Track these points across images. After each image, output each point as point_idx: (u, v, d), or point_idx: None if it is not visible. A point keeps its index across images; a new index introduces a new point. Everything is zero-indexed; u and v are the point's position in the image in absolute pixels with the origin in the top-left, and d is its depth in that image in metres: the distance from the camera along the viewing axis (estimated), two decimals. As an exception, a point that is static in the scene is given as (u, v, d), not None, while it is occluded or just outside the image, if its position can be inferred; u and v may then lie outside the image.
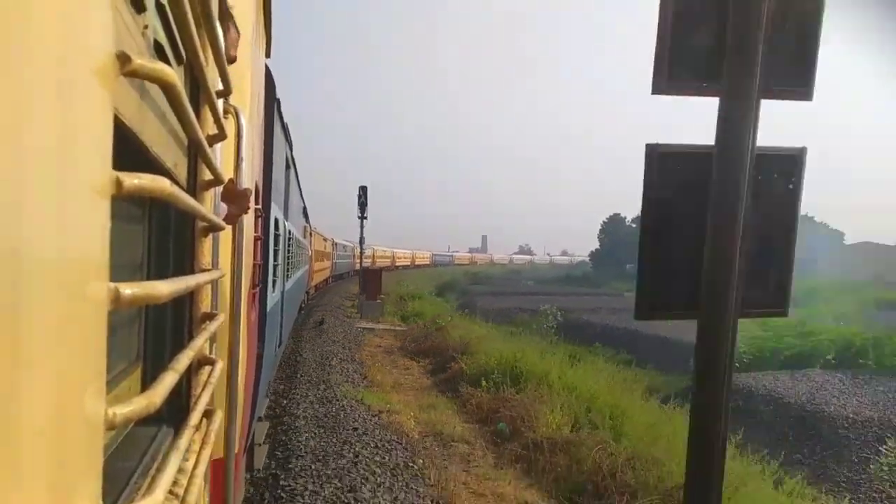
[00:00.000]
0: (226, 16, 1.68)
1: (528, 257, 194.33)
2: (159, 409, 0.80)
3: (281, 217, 6.97)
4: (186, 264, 1.47)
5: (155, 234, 1.47)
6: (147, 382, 1.44)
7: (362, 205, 32.89)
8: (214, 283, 1.69)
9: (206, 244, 1.56)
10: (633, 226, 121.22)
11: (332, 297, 29.69)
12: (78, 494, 0.56)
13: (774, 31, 2.70)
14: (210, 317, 1.54)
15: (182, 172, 1.38)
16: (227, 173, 1.76)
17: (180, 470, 0.98)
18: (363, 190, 32.87)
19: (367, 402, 10.21)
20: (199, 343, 1.24)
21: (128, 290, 0.66)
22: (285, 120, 7.40)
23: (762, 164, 2.77)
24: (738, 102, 2.66)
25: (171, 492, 0.91)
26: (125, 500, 1.02)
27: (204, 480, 1.36)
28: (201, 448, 1.21)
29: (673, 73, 2.74)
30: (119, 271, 0.87)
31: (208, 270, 1.53)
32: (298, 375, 11.90)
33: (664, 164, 2.80)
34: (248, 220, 2.26)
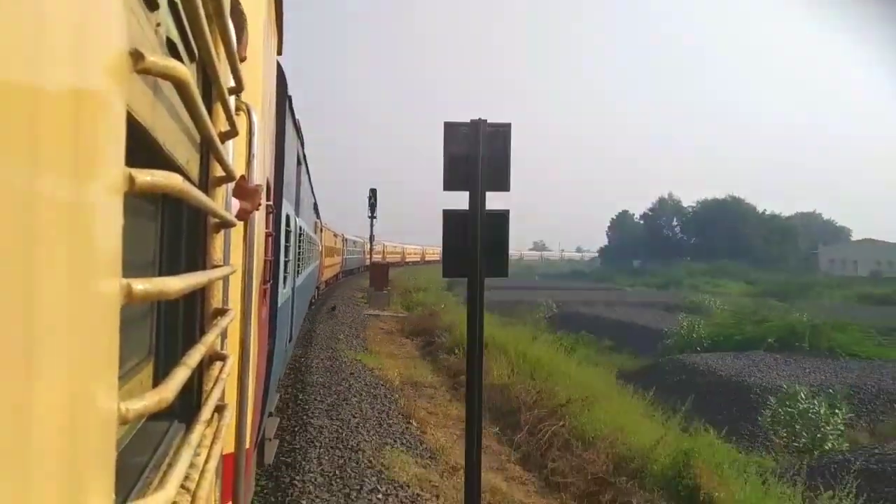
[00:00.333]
0: (238, 14, 1.68)
1: (539, 253, 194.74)
2: (171, 404, 0.80)
3: (292, 213, 6.99)
4: (198, 260, 1.48)
5: (167, 230, 1.48)
6: (159, 378, 1.45)
7: (372, 205, 37.18)
8: (226, 279, 1.70)
9: (218, 240, 1.56)
10: (642, 222, 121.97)
11: (345, 291, 32.04)
12: (91, 488, 0.57)
13: (485, 154, 5.41)
14: (221, 312, 1.54)
15: (194, 169, 1.39)
16: (238, 170, 1.76)
17: (192, 465, 0.99)
18: (373, 192, 36.59)
19: (364, 363, 13.41)
20: (211, 339, 1.25)
21: (140, 285, 0.66)
22: (297, 117, 7.43)
23: (488, 218, 5.47)
24: (476, 192, 5.41)
25: (182, 486, 0.92)
26: (137, 494, 1.03)
27: (215, 475, 1.37)
28: (213, 443, 1.22)
29: (450, 178, 5.48)
30: (132, 267, 0.87)
31: (220, 266, 1.54)
32: (312, 344, 14.92)
33: (451, 218, 5.52)
34: (260, 216, 2.27)
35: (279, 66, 4.99)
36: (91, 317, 0.56)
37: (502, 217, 5.48)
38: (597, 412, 9.88)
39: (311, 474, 6.82)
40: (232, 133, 1.59)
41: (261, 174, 2.25)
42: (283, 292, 6.26)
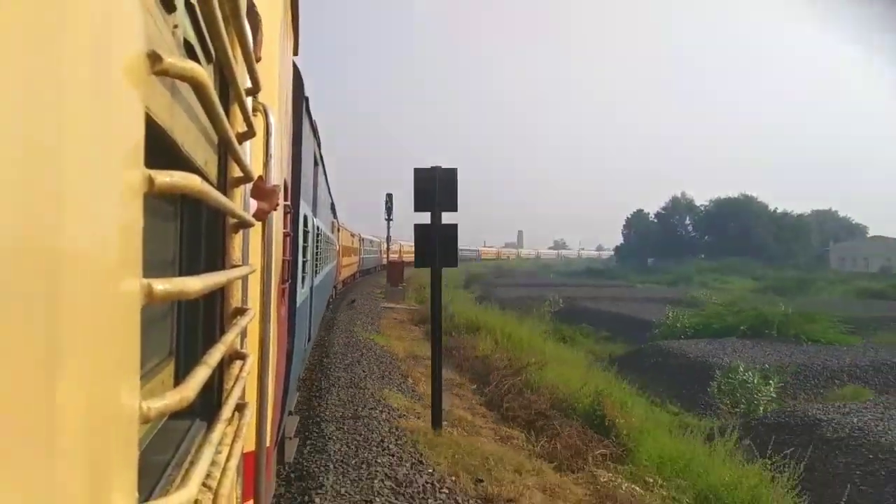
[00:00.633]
0: (253, 14, 1.69)
1: (556, 251, 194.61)
2: (192, 402, 0.81)
3: (309, 213, 7.03)
4: (217, 260, 1.49)
5: (186, 230, 1.49)
6: (180, 377, 1.46)
7: (388, 209, 40.23)
8: (245, 279, 1.70)
9: (237, 240, 1.57)
10: (656, 221, 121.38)
11: (364, 287, 34.44)
12: (114, 487, 0.57)
13: (440, 188, 8.26)
14: (241, 312, 1.55)
15: (212, 170, 1.40)
16: (256, 170, 1.77)
17: (213, 463, 1.00)
18: (389, 197, 40.00)
19: (376, 341, 16.39)
20: (231, 338, 1.25)
21: (160, 285, 0.66)
22: (314, 117, 7.47)
23: (443, 229, 8.33)
24: (435, 212, 8.28)
25: (204, 484, 0.92)
26: (160, 492, 1.04)
27: (236, 473, 1.38)
28: (233, 441, 1.23)
29: (418, 202, 8.24)
30: (152, 267, 0.88)
31: (239, 266, 1.55)
32: (333, 329, 17.82)
33: (420, 229, 8.49)
34: (278, 216, 2.28)
35: (295, 67, 5.01)
36: (113, 317, 0.56)
37: (453, 228, 8.42)
38: (548, 372, 13.03)
39: (332, 398, 10.09)
40: (249, 134, 1.60)
41: (278, 175, 2.26)
42: (302, 292, 6.29)
